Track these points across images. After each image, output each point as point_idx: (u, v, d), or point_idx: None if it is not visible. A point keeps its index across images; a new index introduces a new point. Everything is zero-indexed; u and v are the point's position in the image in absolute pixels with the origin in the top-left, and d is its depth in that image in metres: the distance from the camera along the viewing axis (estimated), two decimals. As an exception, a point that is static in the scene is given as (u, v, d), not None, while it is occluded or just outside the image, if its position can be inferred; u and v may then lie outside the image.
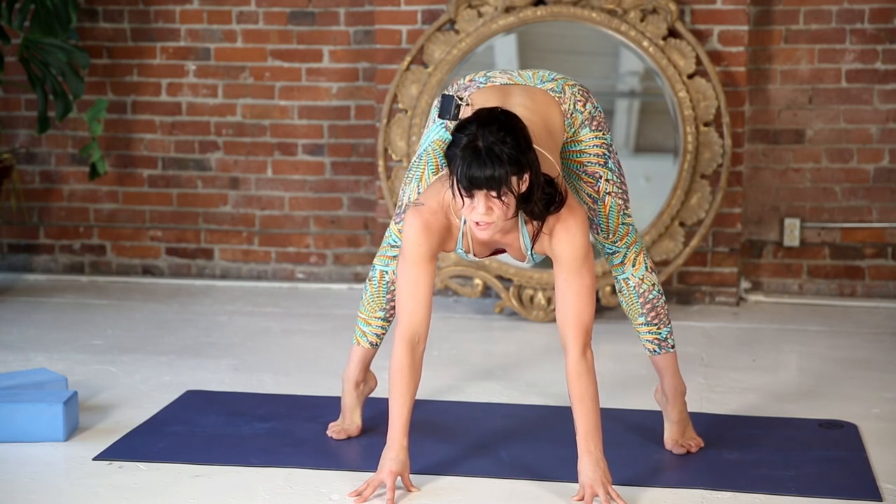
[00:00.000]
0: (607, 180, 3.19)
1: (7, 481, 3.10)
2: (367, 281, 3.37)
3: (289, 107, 5.36)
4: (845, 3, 5.01)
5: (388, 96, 4.98)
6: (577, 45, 5.10)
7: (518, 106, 3.05)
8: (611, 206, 3.20)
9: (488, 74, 3.21)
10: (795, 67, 5.06)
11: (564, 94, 3.15)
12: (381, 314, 3.36)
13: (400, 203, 3.26)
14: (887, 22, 5.00)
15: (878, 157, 5.08)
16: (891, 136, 5.06)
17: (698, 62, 4.85)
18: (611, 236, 3.24)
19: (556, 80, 3.18)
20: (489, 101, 3.04)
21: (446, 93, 3.12)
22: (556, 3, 4.88)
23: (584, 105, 3.16)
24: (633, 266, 3.27)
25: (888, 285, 5.13)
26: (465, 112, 3.03)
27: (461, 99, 3.07)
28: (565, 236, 2.91)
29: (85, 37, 5.41)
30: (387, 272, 3.31)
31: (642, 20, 4.85)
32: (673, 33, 4.87)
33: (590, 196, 3.19)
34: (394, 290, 3.31)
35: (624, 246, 3.25)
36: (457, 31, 4.93)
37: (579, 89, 3.18)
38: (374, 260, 3.35)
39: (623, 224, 3.23)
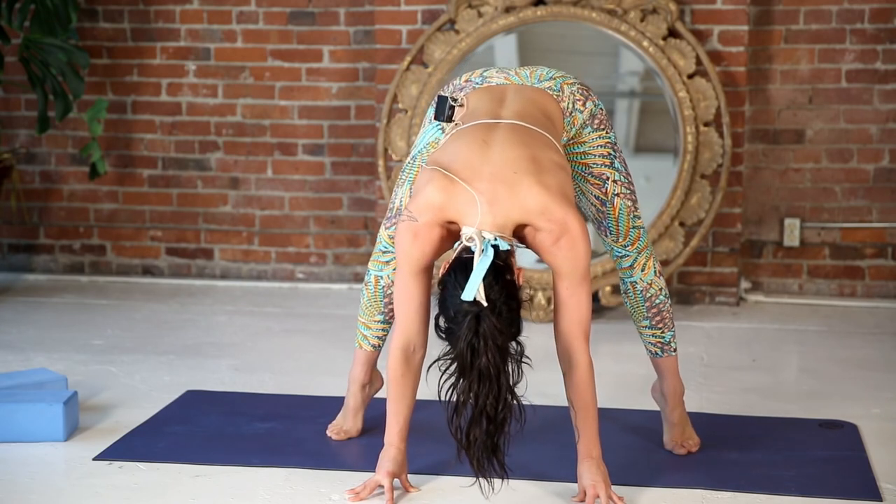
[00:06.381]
0: (615, 181, 3.12)
1: (7, 481, 3.10)
2: (363, 285, 3.35)
3: (289, 107, 5.36)
4: (845, 3, 5.01)
5: (388, 96, 4.98)
6: (577, 45, 5.10)
7: (512, 104, 3.01)
8: (620, 209, 3.13)
9: (485, 74, 3.14)
10: (795, 67, 5.06)
11: (563, 92, 3.08)
12: (380, 318, 3.35)
13: (391, 205, 3.22)
14: (887, 22, 5.00)
15: (878, 157, 5.08)
16: (891, 136, 5.06)
17: (698, 62, 4.85)
18: (621, 239, 3.17)
19: (555, 78, 3.11)
20: (482, 101, 3.01)
21: (442, 93, 3.09)
22: (556, 3, 4.88)
23: (584, 104, 3.10)
24: (643, 271, 3.21)
25: (888, 285, 5.13)
26: (459, 113, 3.01)
27: (455, 100, 3.05)
28: (569, 249, 2.84)
29: (85, 37, 5.41)
30: (381, 277, 3.29)
31: (642, 20, 4.85)
32: (673, 33, 4.87)
33: (598, 199, 3.13)
34: (390, 293, 3.29)
35: (635, 251, 3.19)
36: (457, 31, 4.93)
37: (579, 87, 3.12)
38: (369, 264, 3.32)
39: (634, 227, 3.16)
